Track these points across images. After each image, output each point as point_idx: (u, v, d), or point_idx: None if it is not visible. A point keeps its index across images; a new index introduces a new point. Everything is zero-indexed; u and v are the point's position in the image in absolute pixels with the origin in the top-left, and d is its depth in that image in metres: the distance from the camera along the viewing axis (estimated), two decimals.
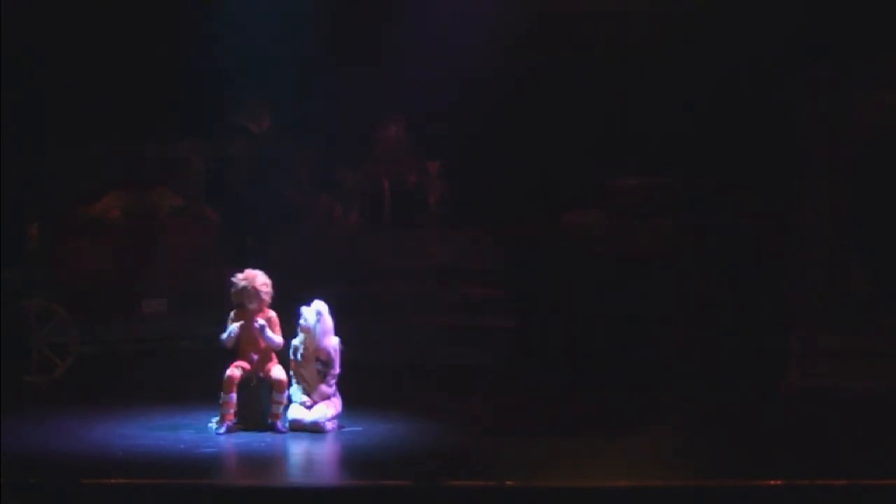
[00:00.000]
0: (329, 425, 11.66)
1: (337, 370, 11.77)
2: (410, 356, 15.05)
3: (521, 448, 11.15)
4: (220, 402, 11.60)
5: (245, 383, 11.69)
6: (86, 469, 10.16)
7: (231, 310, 11.80)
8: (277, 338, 11.75)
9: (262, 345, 11.74)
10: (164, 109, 15.90)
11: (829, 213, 14.42)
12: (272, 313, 11.82)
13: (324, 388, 11.71)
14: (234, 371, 11.67)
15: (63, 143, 15.86)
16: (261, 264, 11.99)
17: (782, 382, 13.96)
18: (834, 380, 13.73)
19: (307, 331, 11.72)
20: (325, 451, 11.29)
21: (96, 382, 14.36)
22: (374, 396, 12.83)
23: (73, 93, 15.89)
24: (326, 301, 11.84)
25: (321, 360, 11.72)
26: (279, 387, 11.67)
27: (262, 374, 11.74)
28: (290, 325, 11.78)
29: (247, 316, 11.75)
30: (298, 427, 11.61)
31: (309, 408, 11.67)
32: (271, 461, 10.95)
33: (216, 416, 11.64)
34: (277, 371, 11.73)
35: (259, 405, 11.69)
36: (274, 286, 11.84)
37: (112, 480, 9.82)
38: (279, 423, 11.62)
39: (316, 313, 11.72)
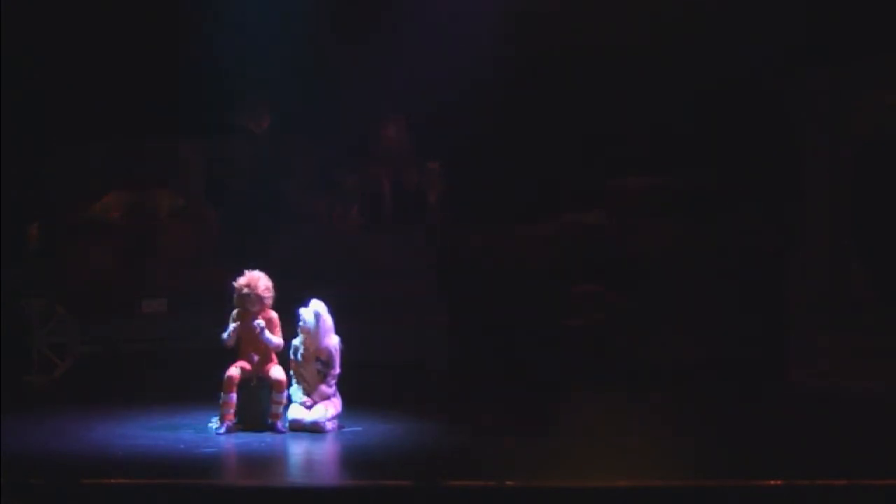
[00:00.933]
0: (329, 425, 11.66)
1: (337, 370, 11.77)
2: (410, 356, 15.06)
3: (521, 448, 11.15)
4: (220, 402, 11.61)
5: (245, 383, 11.70)
6: (86, 469, 10.16)
7: (232, 309, 11.79)
8: (277, 338, 11.75)
9: (263, 345, 11.74)
10: (164, 109, 15.89)
11: (829, 213, 14.42)
12: (273, 314, 11.82)
13: (324, 388, 11.72)
14: (234, 371, 11.67)
15: (63, 143, 15.86)
16: (261, 264, 11.98)
17: (782, 382, 13.97)
18: (834, 380, 13.74)
19: (307, 331, 11.72)
20: (325, 451, 11.29)
21: (96, 382, 14.37)
22: (374, 396, 12.84)
23: (73, 93, 15.89)
24: (326, 301, 11.84)
25: (321, 360, 11.72)
26: (279, 387, 11.67)
27: (261, 374, 11.74)
28: (290, 325, 11.78)
29: (248, 316, 11.75)
30: (298, 427, 11.62)
31: (309, 408, 11.68)
32: (271, 461, 10.95)
33: (216, 416, 11.65)
34: (277, 371, 11.73)
35: (259, 405, 11.69)
36: (274, 286, 11.84)
37: (112, 480, 9.82)
38: (279, 423, 11.62)
39: (315, 314, 11.72)
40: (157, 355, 15.10)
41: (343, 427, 11.76)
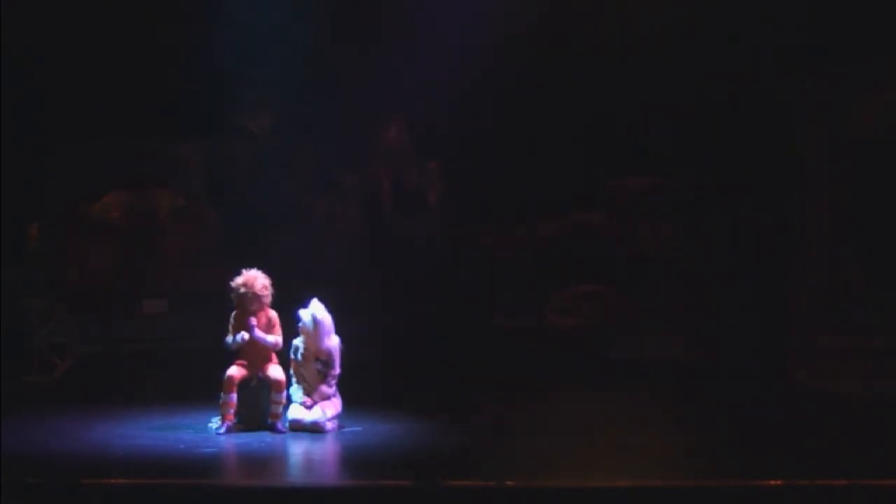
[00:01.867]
0: (329, 425, 11.66)
1: (337, 370, 11.77)
2: (410, 355, 15.07)
3: (521, 448, 11.15)
4: (220, 402, 11.61)
5: (245, 383, 11.69)
6: (86, 469, 10.16)
7: (232, 311, 11.79)
8: (273, 337, 11.73)
9: (262, 345, 11.74)
10: (164, 109, 15.89)
11: (829, 213, 14.42)
12: (272, 313, 11.82)
13: (324, 388, 11.71)
14: (234, 371, 11.67)
15: (63, 143, 15.86)
16: (261, 264, 11.98)
17: (782, 382, 13.97)
18: (834, 380, 13.74)
19: (307, 332, 11.72)
20: (325, 451, 11.29)
21: (96, 382, 14.37)
22: (374, 396, 12.84)
23: (73, 93, 15.89)
24: (326, 301, 11.83)
25: (321, 361, 11.72)
26: (279, 387, 11.67)
27: (261, 375, 11.74)
28: (290, 324, 11.78)
29: (247, 317, 11.74)
30: (298, 427, 11.61)
31: (309, 408, 11.67)
32: (271, 461, 10.95)
33: (216, 416, 11.64)
34: (277, 371, 11.73)
35: (259, 405, 11.69)
36: (274, 286, 11.84)
37: (112, 480, 9.82)
38: (279, 423, 11.62)
39: (313, 315, 11.71)
40: (157, 355, 15.09)
41: (343, 427, 11.76)
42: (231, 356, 11.75)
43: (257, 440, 11.37)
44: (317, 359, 11.71)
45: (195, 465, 10.48)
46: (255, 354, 11.73)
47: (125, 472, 10.01)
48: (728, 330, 14.80)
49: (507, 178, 16.23)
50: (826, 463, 10.50)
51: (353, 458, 11.04)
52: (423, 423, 12.08)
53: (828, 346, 14.02)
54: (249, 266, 11.88)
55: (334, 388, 11.78)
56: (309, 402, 11.68)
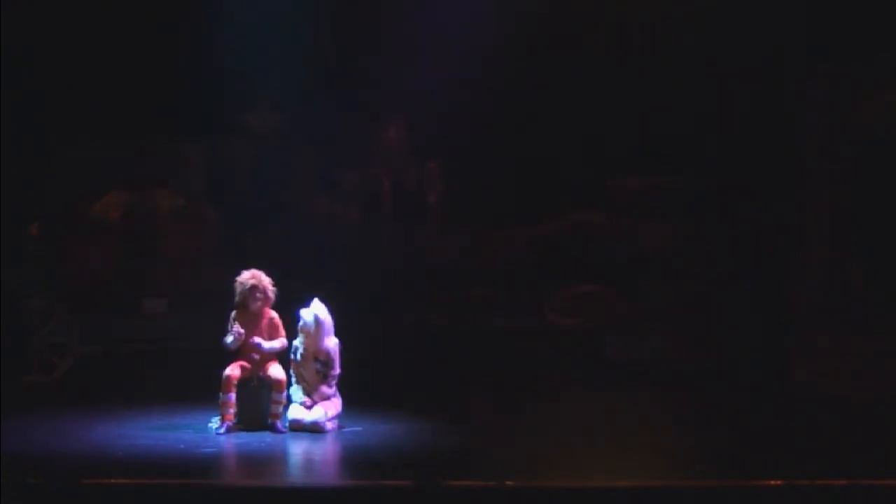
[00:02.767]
0: (329, 425, 11.66)
1: (337, 370, 11.77)
2: (410, 355, 15.06)
3: (521, 448, 11.15)
4: (220, 402, 11.60)
5: (245, 383, 11.69)
6: (86, 469, 10.16)
7: (232, 310, 11.78)
8: (278, 342, 11.73)
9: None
10: (164, 110, 15.89)
11: (829, 213, 14.41)
12: (274, 313, 11.82)
13: (324, 388, 11.71)
14: (234, 371, 11.66)
15: (63, 143, 15.86)
16: (261, 264, 11.98)
17: (782, 382, 13.96)
18: (834, 380, 13.73)
19: (307, 332, 11.72)
20: (325, 451, 11.29)
21: (96, 382, 14.36)
22: (374, 396, 12.84)
23: (73, 93, 15.89)
24: (326, 301, 11.83)
25: (320, 361, 11.72)
26: (279, 387, 11.67)
27: (261, 374, 11.74)
28: (290, 324, 11.78)
29: (248, 317, 11.74)
30: (298, 427, 11.61)
31: (309, 408, 11.67)
32: (271, 461, 10.95)
33: (216, 416, 11.64)
34: (277, 371, 11.73)
35: (259, 405, 11.69)
36: (274, 286, 11.84)
37: (112, 480, 9.82)
38: (279, 423, 11.62)
39: (314, 315, 11.71)
40: (157, 355, 15.09)
41: (343, 427, 11.76)
42: (231, 356, 11.74)
43: (257, 440, 11.37)
44: (316, 359, 11.71)
45: (195, 465, 10.48)
46: (256, 354, 11.72)
47: (125, 472, 10.01)
48: (728, 330, 14.80)
49: (507, 179, 16.23)
50: (826, 463, 10.50)
51: (353, 458, 11.04)
52: (423, 423, 12.08)
53: (828, 346, 14.01)
54: (249, 266, 11.89)
55: (334, 388, 11.78)
56: (309, 402, 11.68)
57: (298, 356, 11.76)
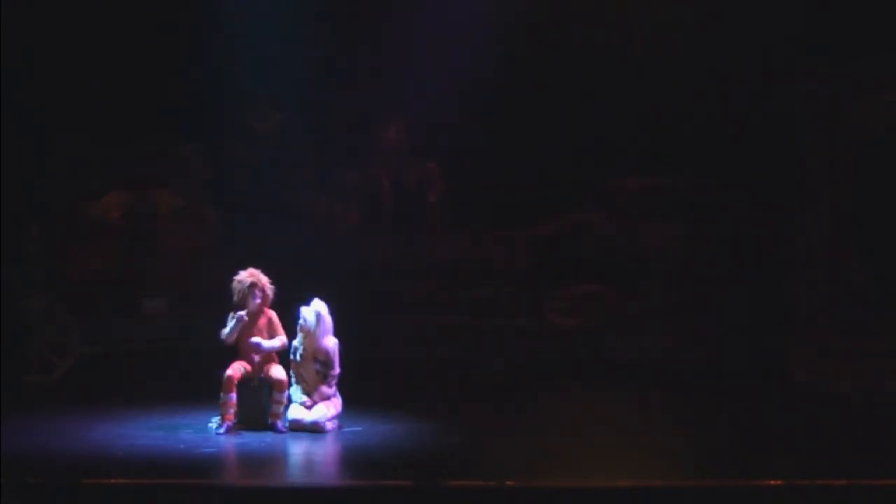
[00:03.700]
0: (329, 425, 11.66)
1: (337, 370, 11.76)
2: (410, 355, 15.07)
3: (521, 448, 11.15)
4: (220, 402, 11.60)
5: (245, 383, 11.69)
6: (86, 469, 10.16)
7: (232, 311, 11.78)
8: (278, 341, 11.73)
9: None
10: (164, 110, 15.89)
11: (829, 213, 14.42)
12: (272, 313, 11.82)
13: (324, 388, 11.71)
14: (234, 371, 11.66)
15: (63, 144, 15.85)
16: (261, 264, 11.98)
17: (783, 382, 13.97)
18: (834, 380, 13.74)
19: (306, 331, 11.71)
20: (325, 451, 11.29)
21: (96, 382, 14.36)
22: (374, 396, 12.84)
23: (73, 93, 15.88)
24: (326, 301, 11.83)
25: (320, 361, 11.72)
26: (279, 387, 11.67)
27: (262, 375, 11.73)
28: (290, 325, 11.78)
29: (248, 315, 11.73)
30: (298, 427, 11.61)
31: (309, 408, 11.67)
32: (271, 461, 10.95)
33: (216, 416, 11.64)
34: (277, 371, 11.73)
35: (259, 405, 11.69)
36: (272, 285, 11.84)
37: (112, 480, 9.82)
38: (279, 423, 11.62)
39: (315, 314, 11.71)
40: (157, 355, 15.09)
41: (343, 427, 11.76)
42: (231, 356, 11.74)
43: (257, 440, 11.37)
44: (315, 359, 11.71)
45: (195, 465, 10.48)
46: (256, 354, 11.71)
47: (125, 472, 10.02)
48: (728, 330, 14.80)
49: (506, 178, 16.23)
50: (826, 463, 10.50)
51: (353, 458, 11.04)
52: (423, 423, 12.08)
53: (828, 346, 14.02)
54: (248, 266, 11.89)
55: (334, 388, 11.78)
56: (309, 402, 11.68)
57: (298, 356, 11.76)
